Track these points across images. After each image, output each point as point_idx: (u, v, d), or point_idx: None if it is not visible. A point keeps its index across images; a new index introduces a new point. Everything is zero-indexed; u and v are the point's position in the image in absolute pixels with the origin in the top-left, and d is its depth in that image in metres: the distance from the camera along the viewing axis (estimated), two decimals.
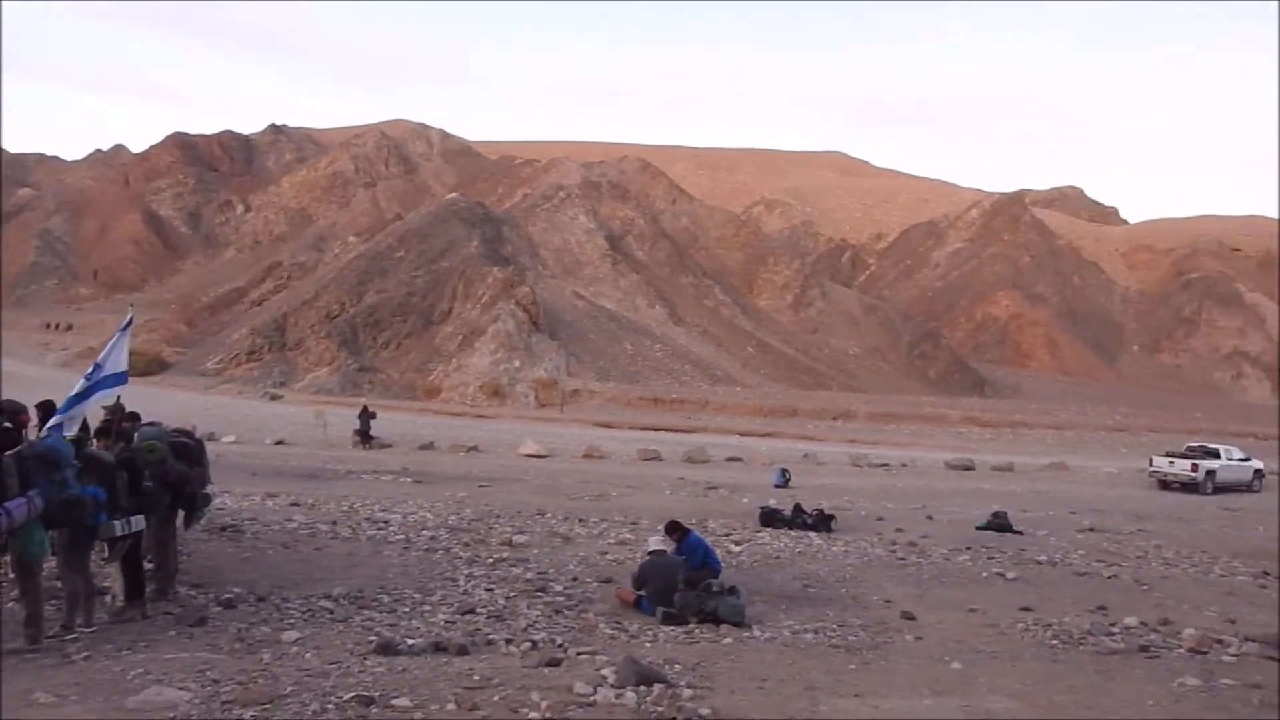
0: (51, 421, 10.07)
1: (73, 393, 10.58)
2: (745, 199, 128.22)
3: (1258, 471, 33.66)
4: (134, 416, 10.96)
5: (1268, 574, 15.09)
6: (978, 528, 18.49)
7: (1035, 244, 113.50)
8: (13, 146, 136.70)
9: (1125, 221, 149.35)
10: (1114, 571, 14.57)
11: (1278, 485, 33.07)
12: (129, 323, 12.14)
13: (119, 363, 11.12)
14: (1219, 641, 9.94)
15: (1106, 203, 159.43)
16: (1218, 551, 17.22)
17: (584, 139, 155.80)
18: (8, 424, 9.74)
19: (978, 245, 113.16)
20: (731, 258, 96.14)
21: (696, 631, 9.82)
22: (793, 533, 16.88)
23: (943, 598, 12.12)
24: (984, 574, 13.83)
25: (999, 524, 18.61)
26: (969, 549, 15.94)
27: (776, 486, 24.83)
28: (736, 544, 15.31)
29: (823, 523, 17.56)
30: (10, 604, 8.80)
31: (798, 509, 18.27)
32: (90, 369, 10.96)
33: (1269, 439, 57.29)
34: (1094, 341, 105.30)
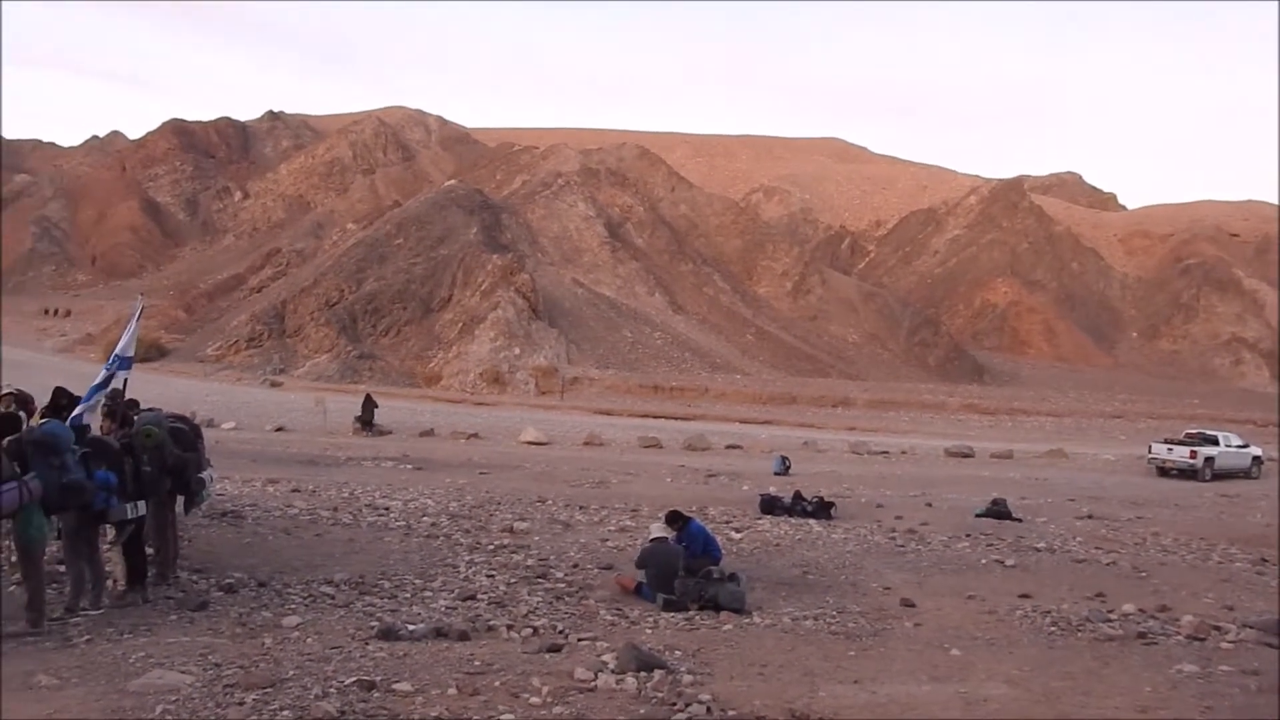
0: (77, 409, 10.12)
1: (95, 382, 10.62)
2: (743, 186, 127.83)
3: (1256, 458, 33.71)
4: (133, 403, 10.97)
5: (1265, 561, 15.12)
6: (977, 515, 18.52)
7: (1033, 230, 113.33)
8: (9, 133, 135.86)
9: (1124, 207, 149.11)
10: (1112, 558, 14.60)
11: (1278, 472, 33.09)
12: (140, 311, 12.20)
13: (127, 349, 11.17)
14: (1217, 628, 9.97)
15: (1105, 189, 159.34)
16: (1216, 538, 17.24)
17: (581, 126, 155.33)
18: (21, 412, 9.79)
19: (976, 232, 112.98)
20: (730, 245, 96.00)
21: (697, 618, 9.85)
22: (792, 520, 16.90)
23: (941, 585, 12.15)
24: (983, 561, 13.86)
25: (998, 511, 18.64)
26: (968, 536, 15.97)
27: (776, 474, 24.86)
28: (737, 531, 15.34)
29: (822, 510, 17.59)
30: (12, 588, 8.82)
31: (797, 496, 18.31)
32: (111, 359, 11.00)
33: (1267, 425, 57.39)
34: (1092, 328, 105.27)
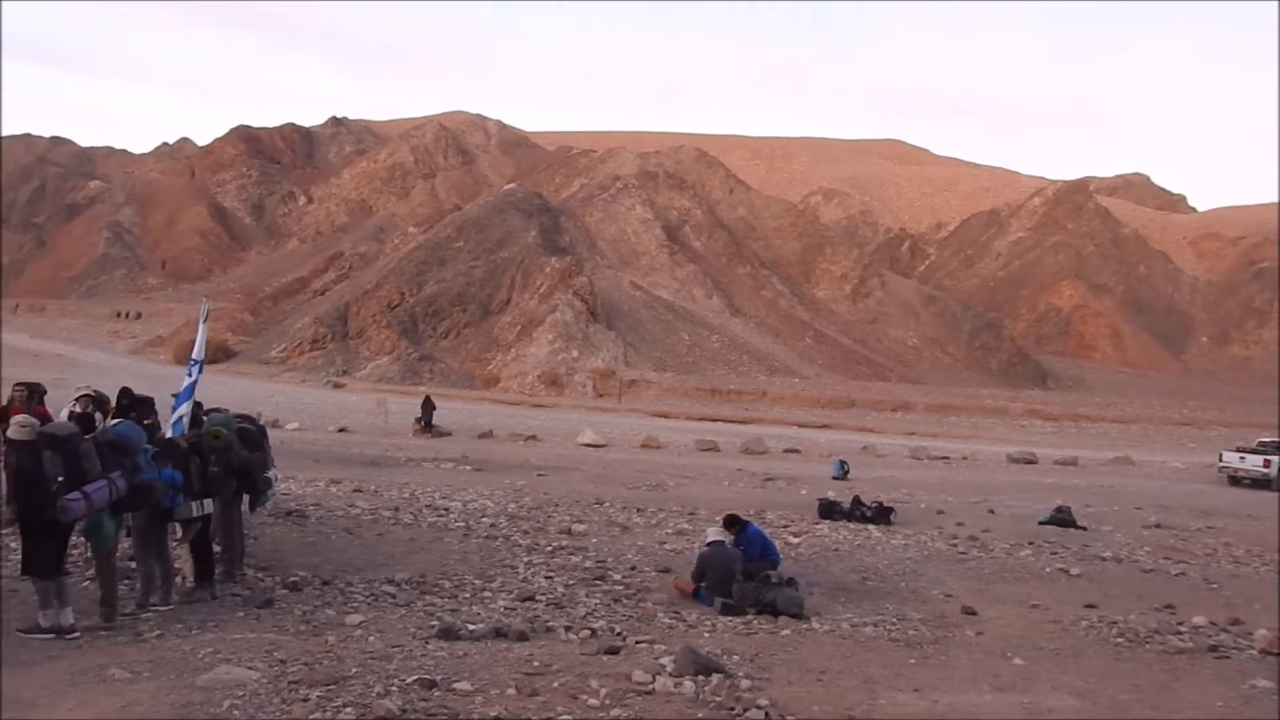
0: (174, 416, 10.49)
1: (182, 387, 10.96)
2: (802, 188, 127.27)
3: None
4: (198, 404, 11.23)
5: None
6: (1040, 522, 18.18)
7: (1099, 233, 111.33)
8: (82, 140, 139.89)
9: (1194, 209, 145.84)
10: (1182, 569, 14.24)
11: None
12: (206, 313, 12.53)
13: (200, 351, 11.49)
14: None
15: (1174, 190, 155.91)
16: None
17: (639, 129, 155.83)
18: (98, 412, 10.11)
19: (1040, 234, 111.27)
20: (789, 248, 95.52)
21: (754, 623, 9.80)
22: (851, 525, 16.75)
23: (1004, 593, 11.96)
24: (1047, 569, 13.60)
25: (1062, 519, 18.27)
26: (1031, 544, 15.68)
27: (835, 478, 24.65)
28: (795, 536, 15.24)
29: (882, 515, 17.40)
30: (85, 583, 9.08)
31: (856, 501, 18.13)
32: (191, 363, 11.33)
33: None
34: (1160, 333, 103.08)
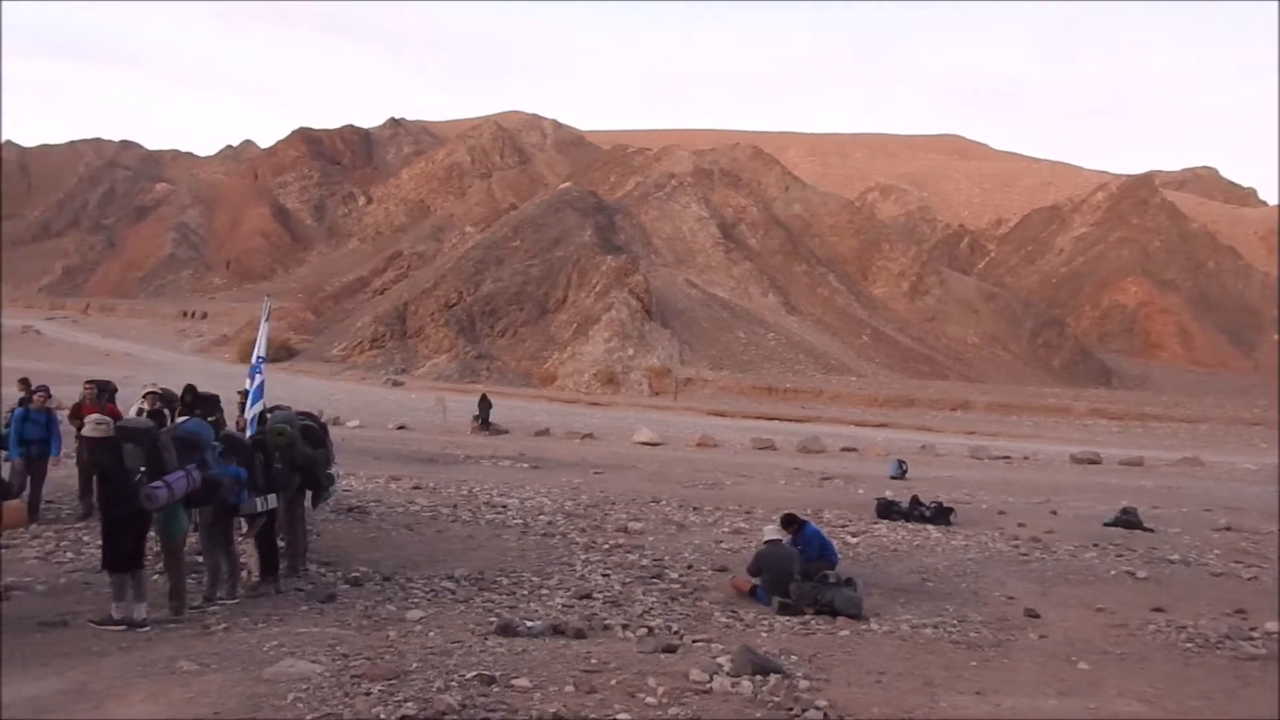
0: (250, 412, 10.83)
1: (252, 387, 11.28)
2: (859, 185, 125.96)
3: None
4: None
5: None
6: (1105, 524, 17.81)
7: (1166, 228, 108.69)
8: (150, 143, 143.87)
9: (1265, 203, 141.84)
10: (1254, 573, 13.86)
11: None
12: (268, 312, 12.81)
13: (261, 349, 11.77)
14: None
15: (1244, 184, 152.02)
16: None
17: (694, 127, 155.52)
18: (166, 409, 10.43)
19: (1104, 230, 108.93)
20: (845, 245, 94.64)
21: (812, 623, 9.74)
22: (910, 525, 16.56)
23: (1068, 595, 11.75)
24: (1112, 572, 13.33)
25: (1128, 520, 17.88)
26: (1096, 546, 15.37)
27: (893, 478, 24.39)
28: (853, 535, 15.12)
29: (941, 515, 17.18)
30: (155, 577, 9.31)
31: (915, 501, 17.92)
32: (255, 362, 11.64)
33: None
34: (1230, 330, 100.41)
